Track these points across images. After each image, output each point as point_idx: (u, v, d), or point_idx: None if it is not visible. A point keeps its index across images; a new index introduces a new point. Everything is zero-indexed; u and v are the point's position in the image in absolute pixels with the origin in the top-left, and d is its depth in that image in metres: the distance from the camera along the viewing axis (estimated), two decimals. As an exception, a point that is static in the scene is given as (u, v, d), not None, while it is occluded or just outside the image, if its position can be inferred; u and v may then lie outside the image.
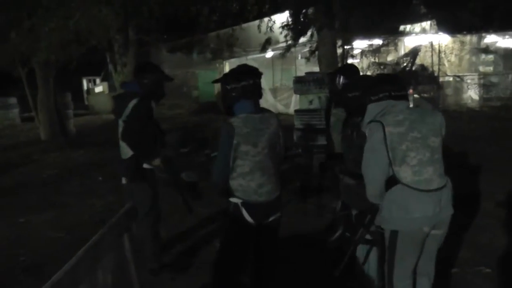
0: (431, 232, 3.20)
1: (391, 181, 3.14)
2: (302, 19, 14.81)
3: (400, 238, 3.18)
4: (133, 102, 4.41)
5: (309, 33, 15.28)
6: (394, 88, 3.27)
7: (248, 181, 3.37)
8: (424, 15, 17.05)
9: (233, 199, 3.44)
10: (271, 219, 3.52)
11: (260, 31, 16.04)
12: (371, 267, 3.97)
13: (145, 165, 4.50)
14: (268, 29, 15.75)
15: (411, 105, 3.48)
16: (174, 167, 4.59)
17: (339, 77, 4.82)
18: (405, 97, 3.32)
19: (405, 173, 3.09)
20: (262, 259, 3.68)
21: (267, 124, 3.42)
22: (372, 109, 3.27)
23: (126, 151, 4.52)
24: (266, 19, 16.11)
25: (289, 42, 15.30)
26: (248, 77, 3.41)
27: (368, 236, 3.74)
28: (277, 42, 17.46)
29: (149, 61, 6.27)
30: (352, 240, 3.70)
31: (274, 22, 15.93)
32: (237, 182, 3.39)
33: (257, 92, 3.46)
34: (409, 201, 3.09)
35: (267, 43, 18.70)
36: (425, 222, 3.12)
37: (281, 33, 15.58)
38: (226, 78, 3.51)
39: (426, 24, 17.47)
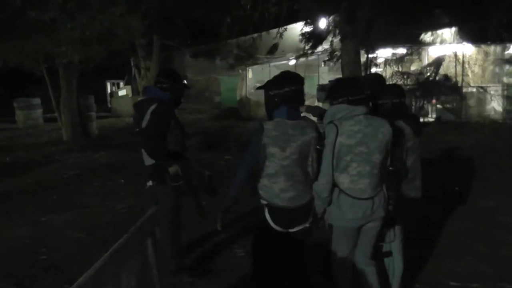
0: (363, 228, 3.58)
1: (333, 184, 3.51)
2: (321, 27, 14.91)
3: (335, 230, 3.62)
4: (152, 108, 4.47)
5: (330, 39, 15.36)
6: (351, 93, 3.50)
7: (272, 182, 3.45)
8: (446, 23, 16.93)
9: (261, 201, 3.50)
10: (296, 228, 3.50)
11: (282, 38, 16.40)
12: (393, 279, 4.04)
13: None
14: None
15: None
16: (190, 170, 4.67)
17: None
18: (363, 101, 3.54)
19: (343, 180, 3.46)
20: (287, 270, 3.66)
21: (301, 131, 3.44)
22: (333, 111, 3.54)
23: (149, 158, 4.59)
24: (279, 28, 16.49)
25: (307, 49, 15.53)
26: (291, 84, 3.49)
27: (386, 248, 3.94)
28: (300, 49, 17.47)
29: (171, 68, 6.30)
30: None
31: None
32: (262, 182, 3.49)
33: (298, 98, 3.53)
34: (344, 205, 3.47)
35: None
36: (356, 222, 3.52)
37: (300, 40, 15.73)
38: (269, 85, 3.59)
39: (450, 33, 17.36)
